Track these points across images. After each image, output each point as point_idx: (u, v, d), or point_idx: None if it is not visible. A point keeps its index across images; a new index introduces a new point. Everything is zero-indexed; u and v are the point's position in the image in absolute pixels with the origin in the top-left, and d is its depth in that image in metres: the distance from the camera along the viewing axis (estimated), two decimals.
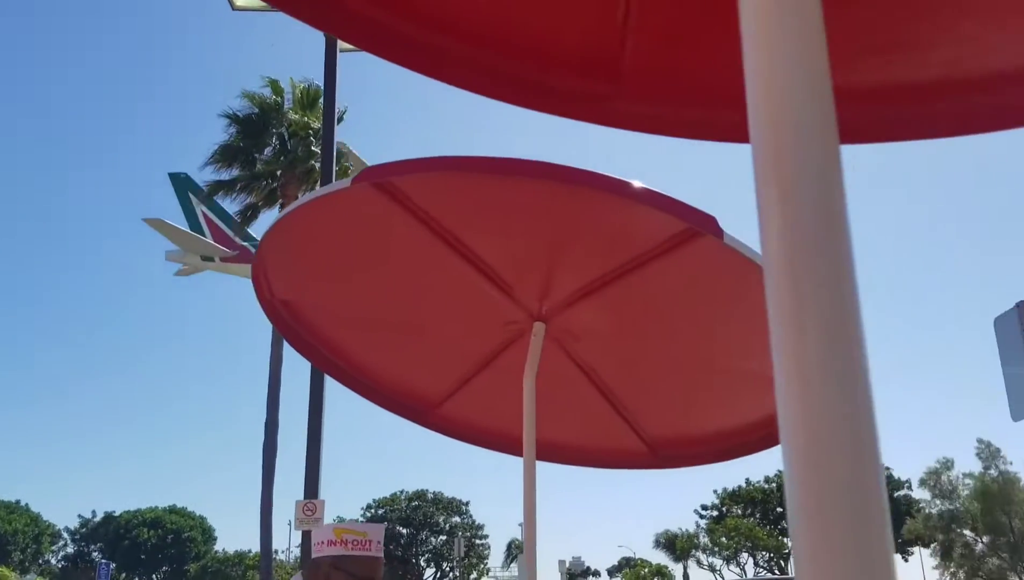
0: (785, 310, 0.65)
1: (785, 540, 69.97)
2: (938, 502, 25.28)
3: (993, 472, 23.06)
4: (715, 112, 1.60)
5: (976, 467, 24.23)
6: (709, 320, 3.01)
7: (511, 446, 3.60)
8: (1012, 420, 4.67)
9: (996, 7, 1.21)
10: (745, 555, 67.60)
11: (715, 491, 73.39)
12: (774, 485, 71.36)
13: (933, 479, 25.43)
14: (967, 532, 24.51)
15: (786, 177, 0.69)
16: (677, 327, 3.10)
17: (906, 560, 66.66)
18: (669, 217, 2.42)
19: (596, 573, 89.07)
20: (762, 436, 3.51)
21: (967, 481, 24.48)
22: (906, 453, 72.42)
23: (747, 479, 72.84)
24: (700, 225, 2.42)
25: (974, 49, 1.31)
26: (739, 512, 71.09)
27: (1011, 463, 23.95)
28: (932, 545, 25.79)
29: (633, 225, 2.61)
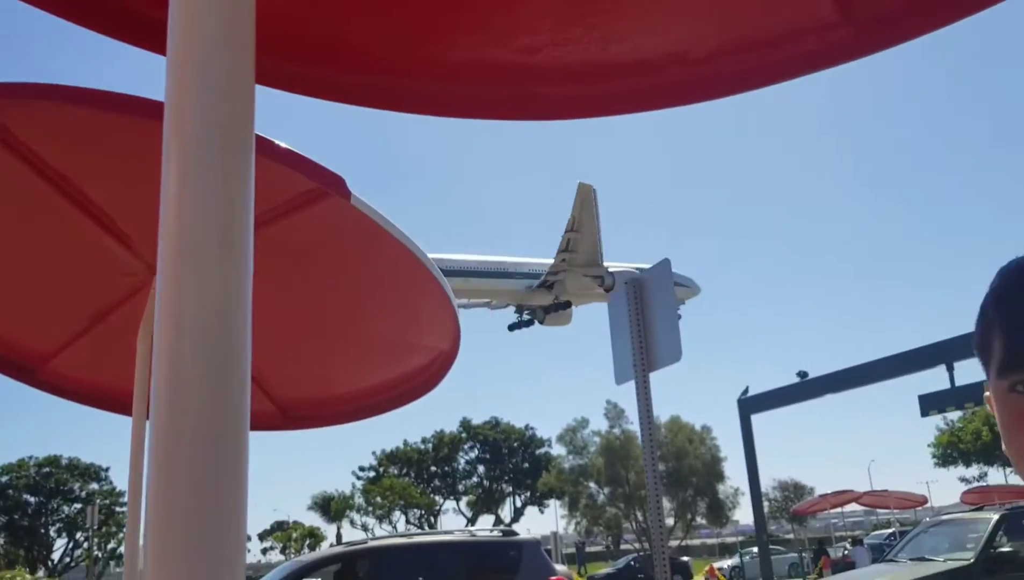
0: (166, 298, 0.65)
1: (436, 498, 73.46)
2: (571, 457, 27.90)
3: (617, 431, 25.91)
4: (305, 67, 1.60)
5: (605, 426, 27.10)
6: (339, 282, 3.03)
7: (124, 406, 3.38)
8: (616, 384, 5.27)
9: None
10: (398, 513, 69.88)
11: (374, 452, 75.02)
12: (430, 445, 74.38)
13: (569, 437, 28.00)
14: (592, 484, 27.35)
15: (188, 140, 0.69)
16: (308, 288, 3.08)
17: (542, 512, 72.96)
18: (297, 174, 2.38)
19: (247, 538, 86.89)
20: (393, 396, 3.62)
21: (596, 439, 27.29)
22: (554, 415, 79.11)
23: (405, 440, 75.24)
24: (328, 185, 2.42)
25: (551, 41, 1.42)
26: (395, 472, 73.22)
27: (632, 422, 27.16)
28: (564, 496, 28.36)
29: (260, 180, 2.54)
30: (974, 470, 44.67)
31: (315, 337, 3.39)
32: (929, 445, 48.92)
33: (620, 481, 24.81)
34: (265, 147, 2.19)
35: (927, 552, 11.23)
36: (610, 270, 25.99)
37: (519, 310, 28.20)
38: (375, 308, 3.14)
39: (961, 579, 9.70)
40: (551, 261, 26.52)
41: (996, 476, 42.75)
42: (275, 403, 3.62)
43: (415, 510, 70.24)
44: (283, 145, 2.26)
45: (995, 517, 10.55)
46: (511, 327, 28.00)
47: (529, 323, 27.68)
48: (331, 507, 72.31)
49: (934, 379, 15.25)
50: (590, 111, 1.41)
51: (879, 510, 40.71)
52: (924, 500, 34.68)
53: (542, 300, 27.48)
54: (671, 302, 4.87)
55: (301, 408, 3.70)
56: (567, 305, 26.98)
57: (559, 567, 10.30)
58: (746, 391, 19.06)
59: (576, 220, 25.28)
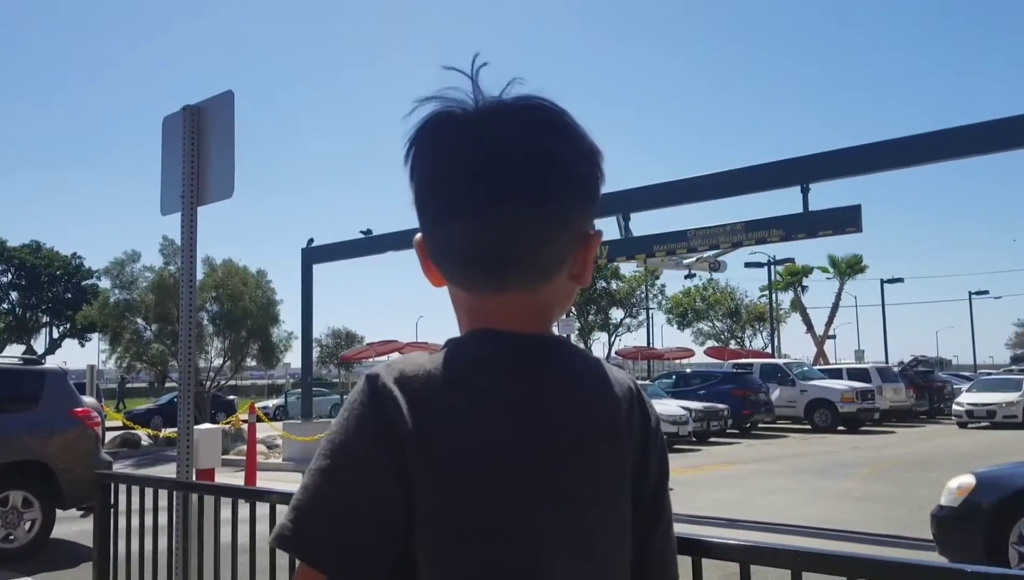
0: None
1: None
2: (118, 291, 26.15)
3: (172, 268, 24.82)
4: None
5: (159, 262, 25.73)
6: None
7: None
8: (161, 214, 5.06)
9: None
10: None
11: None
12: None
13: (117, 270, 26.11)
14: (139, 320, 26.03)
15: None
16: None
17: (83, 345, 67.88)
18: None
19: None
20: None
21: (147, 274, 25.83)
22: (104, 245, 72.88)
23: None
24: None
25: None
26: None
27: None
28: (107, 331, 26.66)
29: None
30: None
31: None
32: None
33: (170, 318, 23.97)
34: None
35: None
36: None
37: None
38: None
39: None
40: None
41: None
42: None
43: None
44: None
45: None
46: None
47: None
48: None
49: None
50: None
51: None
52: None
53: None
54: (229, 136, 4.74)
55: None
56: None
57: (87, 399, 9.80)
58: (311, 241, 19.38)
59: None
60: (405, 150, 1.01)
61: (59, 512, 8.54)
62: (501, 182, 0.94)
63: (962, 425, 24.83)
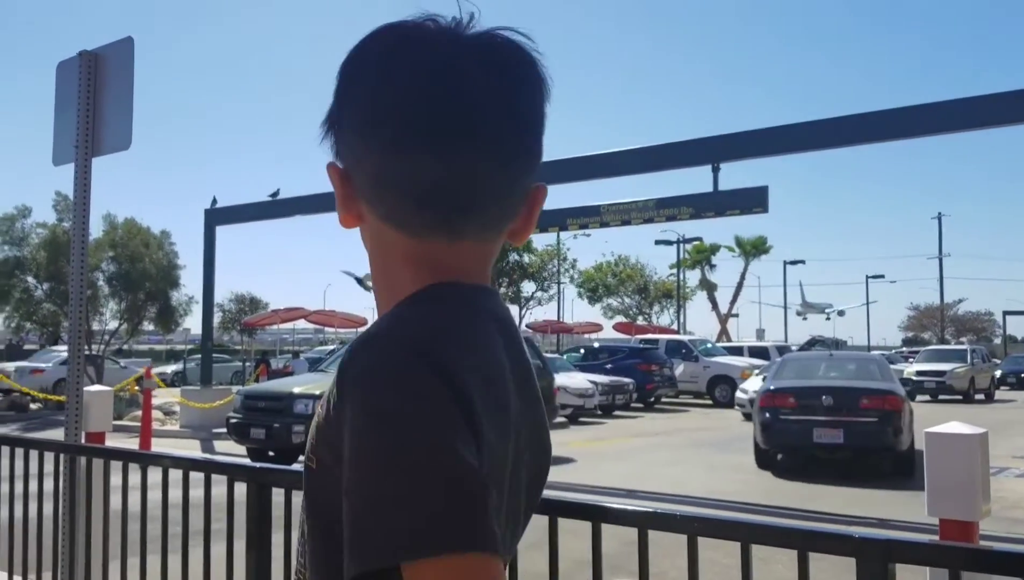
0: None
1: None
2: (7, 248, 24.91)
3: (66, 224, 23.80)
4: None
5: (52, 218, 24.61)
6: None
7: None
8: (53, 165, 4.80)
9: None
10: None
11: None
12: None
13: (6, 225, 24.85)
14: (30, 278, 24.92)
15: None
16: None
17: None
18: None
19: None
20: None
21: (39, 230, 24.70)
22: None
23: None
24: None
25: None
26: None
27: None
28: None
29: None
30: None
31: None
32: None
33: (62, 277, 22.96)
34: None
35: None
36: None
37: None
38: None
39: None
40: None
41: None
42: None
43: None
44: None
45: None
46: None
47: None
48: None
49: None
50: None
51: (327, 329, 44.00)
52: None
53: None
54: (128, 85, 4.52)
55: None
56: None
57: None
58: (215, 202, 18.80)
59: None
60: (357, 58, 0.88)
61: None
62: (487, 118, 0.84)
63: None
